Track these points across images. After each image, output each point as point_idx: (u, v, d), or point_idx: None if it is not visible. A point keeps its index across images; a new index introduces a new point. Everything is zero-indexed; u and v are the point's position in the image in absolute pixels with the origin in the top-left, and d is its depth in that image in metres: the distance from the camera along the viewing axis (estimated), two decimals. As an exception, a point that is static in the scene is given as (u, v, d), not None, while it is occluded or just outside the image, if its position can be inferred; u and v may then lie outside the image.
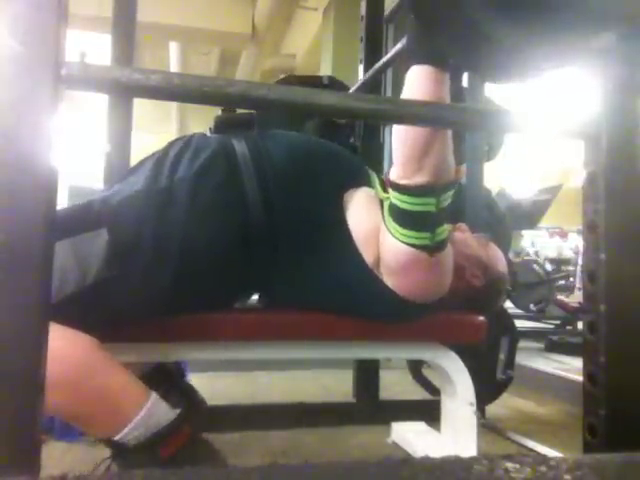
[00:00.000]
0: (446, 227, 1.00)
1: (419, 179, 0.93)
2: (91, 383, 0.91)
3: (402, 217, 0.97)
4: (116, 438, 0.90)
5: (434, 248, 0.98)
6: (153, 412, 0.92)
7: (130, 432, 0.90)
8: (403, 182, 0.95)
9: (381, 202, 1.03)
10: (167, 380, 1.17)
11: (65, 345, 0.87)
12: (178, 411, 0.96)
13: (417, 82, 0.90)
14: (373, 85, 1.89)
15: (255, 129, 1.20)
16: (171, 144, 1.13)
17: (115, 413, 0.91)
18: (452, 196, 1.00)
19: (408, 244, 0.97)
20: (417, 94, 0.90)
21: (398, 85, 2.24)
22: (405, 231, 0.97)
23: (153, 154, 1.12)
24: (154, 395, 0.95)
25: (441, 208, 0.96)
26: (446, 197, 0.97)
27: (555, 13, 0.48)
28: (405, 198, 0.96)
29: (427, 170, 0.93)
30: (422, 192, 0.94)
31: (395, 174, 0.96)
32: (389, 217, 0.99)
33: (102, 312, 0.96)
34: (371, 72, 1.82)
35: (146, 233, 0.99)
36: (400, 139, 0.95)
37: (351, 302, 1.09)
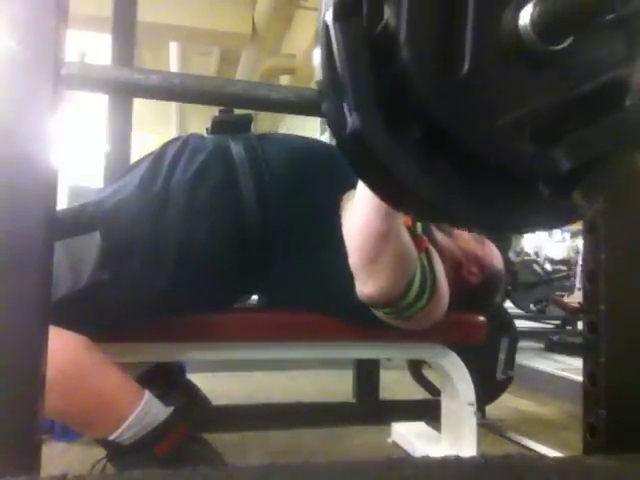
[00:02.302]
0: (424, 298, 0.98)
1: (370, 290, 0.95)
2: (84, 384, 0.91)
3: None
4: (111, 438, 0.90)
5: (408, 317, 1.00)
6: (147, 411, 0.92)
7: (125, 432, 0.90)
8: (358, 294, 0.97)
9: None
10: (167, 379, 1.17)
11: (58, 346, 0.86)
12: (172, 409, 0.96)
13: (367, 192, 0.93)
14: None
15: (252, 130, 1.19)
16: (167, 145, 1.12)
17: (109, 413, 0.91)
18: None
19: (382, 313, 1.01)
20: (364, 204, 0.91)
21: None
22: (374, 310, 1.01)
23: (149, 155, 1.12)
24: (148, 394, 0.95)
25: (404, 305, 0.97)
26: (408, 296, 0.96)
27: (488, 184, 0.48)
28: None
29: (377, 280, 0.94)
30: (374, 306, 0.98)
31: (355, 275, 0.97)
32: None
33: (96, 314, 0.96)
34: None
35: (142, 235, 0.98)
36: (350, 247, 0.97)
37: (344, 306, 1.08)
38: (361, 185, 0.93)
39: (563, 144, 0.45)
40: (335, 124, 0.44)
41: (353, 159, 0.47)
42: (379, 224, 0.90)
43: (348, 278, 1.05)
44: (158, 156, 1.09)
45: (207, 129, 1.20)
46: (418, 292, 0.97)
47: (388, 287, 0.94)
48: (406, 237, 0.95)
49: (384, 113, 0.42)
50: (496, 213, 0.48)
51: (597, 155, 0.46)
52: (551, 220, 0.52)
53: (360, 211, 0.93)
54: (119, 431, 0.89)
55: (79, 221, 0.98)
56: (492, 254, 1.25)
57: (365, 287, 0.95)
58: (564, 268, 4.84)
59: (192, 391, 1.22)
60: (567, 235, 7.50)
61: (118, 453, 0.92)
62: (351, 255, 0.96)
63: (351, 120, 0.42)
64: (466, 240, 1.21)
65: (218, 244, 1.03)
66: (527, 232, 0.54)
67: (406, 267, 0.95)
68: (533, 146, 0.44)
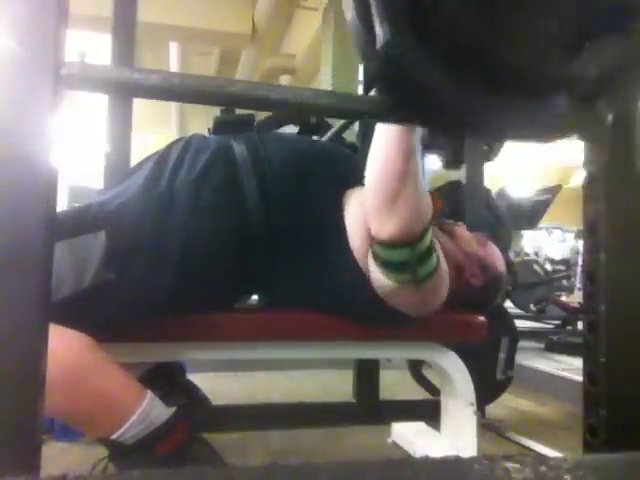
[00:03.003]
0: (434, 259, 1.00)
1: (391, 228, 0.94)
2: (87, 383, 0.91)
3: (382, 262, 0.99)
4: (113, 437, 0.90)
5: (419, 282, 0.99)
6: (149, 411, 0.92)
7: (127, 431, 0.90)
8: (376, 236, 0.97)
9: None
10: (168, 379, 1.17)
11: (61, 345, 0.87)
12: (174, 409, 0.96)
13: (388, 131, 0.91)
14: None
15: (254, 130, 1.20)
16: (170, 145, 1.13)
17: (112, 413, 0.91)
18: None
19: (393, 281, 0.99)
20: (385, 138, 0.91)
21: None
22: (388, 272, 0.99)
23: (152, 155, 1.12)
24: (150, 394, 0.95)
25: (421, 252, 0.97)
26: (424, 242, 0.97)
27: (510, 86, 0.47)
28: (381, 250, 0.98)
29: (401, 214, 0.93)
30: (394, 245, 0.96)
31: (370, 223, 0.97)
32: (371, 257, 1.01)
33: (99, 314, 0.96)
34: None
35: (146, 235, 0.99)
36: (370, 187, 0.97)
37: (347, 304, 1.09)
38: (382, 127, 0.92)
39: (591, 51, 0.44)
40: (364, 39, 0.44)
41: (382, 73, 0.46)
42: (400, 164, 0.90)
43: (350, 277, 1.06)
44: (162, 157, 1.09)
45: (209, 129, 1.21)
46: (430, 245, 0.98)
47: (409, 225, 0.94)
48: (423, 180, 0.96)
49: (414, 25, 0.42)
50: (524, 121, 0.48)
51: (624, 63, 0.45)
52: (574, 129, 0.52)
53: (382, 152, 0.93)
54: (121, 431, 0.90)
55: (83, 221, 0.98)
56: (494, 256, 1.25)
57: (386, 226, 0.94)
58: (563, 268, 4.84)
59: (192, 391, 1.23)
60: (567, 235, 7.52)
61: (120, 453, 0.92)
62: (371, 197, 0.96)
63: (381, 33, 0.42)
64: (468, 242, 1.21)
65: (221, 243, 1.03)
66: (550, 140, 0.54)
67: (425, 208, 0.96)
68: (562, 53, 0.44)
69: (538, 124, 0.49)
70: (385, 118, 0.76)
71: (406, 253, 0.96)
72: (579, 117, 0.49)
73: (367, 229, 1.03)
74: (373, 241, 0.99)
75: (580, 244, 6.57)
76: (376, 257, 1.00)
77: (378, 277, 1.01)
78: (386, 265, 0.99)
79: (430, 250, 0.99)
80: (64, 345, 0.89)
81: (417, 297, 1.03)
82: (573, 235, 7.49)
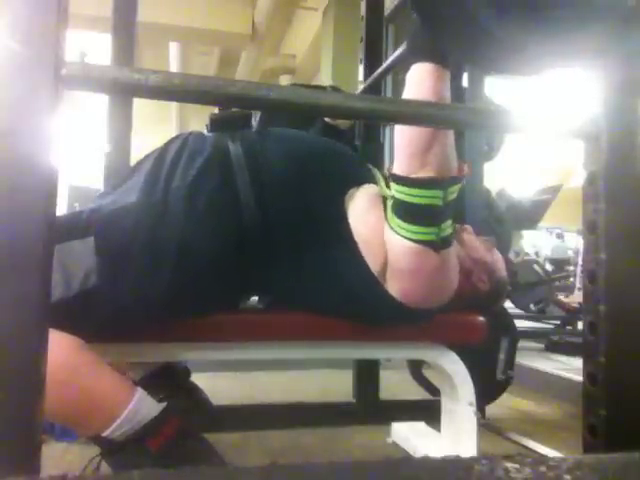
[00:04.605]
0: (451, 223, 0.99)
1: (424, 173, 0.93)
2: (76, 383, 0.91)
3: (408, 212, 0.96)
4: (104, 435, 0.91)
5: (440, 244, 0.96)
6: (139, 407, 0.93)
7: (117, 428, 0.90)
8: (408, 175, 0.94)
9: (384, 200, 1.02)
10: (172, 380, 1.17)
11: (50, 346, 0.87)
12: (164, 405, 0.96)
13: (418, 80, 0.90)
14: (374, 86, 1.88)
15: (253, 127, 1.19)
16: (168, 145, 1.12)
17: (101, 411, 0.92)
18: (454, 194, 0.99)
19: (414, 240, 0.95)
20: (419, 92, 0.90)
21: (398, 86, 2.23)
22: (411, 227, 0.96)
23: (151, 154, 1.12)
24: (140, 391, 0.95)
25: (447, 202, 0.95)
26: (452, 191, 0.95)
27: (554, 12, 0.49)
28: (411, 191, 0.94)
29: (432, 165, 0.92)
30: (429, 185, 0.93)
31: (400, 169, 0.95)
32: (393, 215, 0.98)
33: (91, 320, 0.95)
34: (372, 79, 1.82)
35: (138, 241, 0.98)
36: (403, 135, 0.94)
37: (351, 304, 1.08)
38: (415, 77, 0.91)
39: None
40: None
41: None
42: None
43: (352, 277, 1.05)
44: (159, 158, 1.09)
45: (207, 126, 1.20)
46: (451, 203, 0.96)
47: (442, 169, 0.93)
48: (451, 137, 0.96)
49: None
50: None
51: None
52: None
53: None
54: (111, 428, 0.90)
55: (74, 226, 0.98)
56: (499, 261, 1.25)
57: (419, 169, 0.93)
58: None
59: (195, 393, 1.23)
60: (555, 235, 7.51)
61: (112, 450, 0.92)
62: (405, 145, 0.94)
63: None
64: (475, 248, 1.20)
65: (218, 247, 1.03)
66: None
67: (454, 160, 0.95)
68: None
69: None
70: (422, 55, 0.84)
71: (438, 196, 0.93)
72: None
73: (378, 229, 1.01)
74: (400, 182, 0.95)
75: (567, 244, 6.56)
76: (401, 211, 0.96)
77: (398, 246, 0.98)
78: (412, 216, 0.95)
79: (451, 208, 0.96)
80: (53, 347, 0.88)
81: (436, 268, 0.99)
82: (555, 235, 7.46)
